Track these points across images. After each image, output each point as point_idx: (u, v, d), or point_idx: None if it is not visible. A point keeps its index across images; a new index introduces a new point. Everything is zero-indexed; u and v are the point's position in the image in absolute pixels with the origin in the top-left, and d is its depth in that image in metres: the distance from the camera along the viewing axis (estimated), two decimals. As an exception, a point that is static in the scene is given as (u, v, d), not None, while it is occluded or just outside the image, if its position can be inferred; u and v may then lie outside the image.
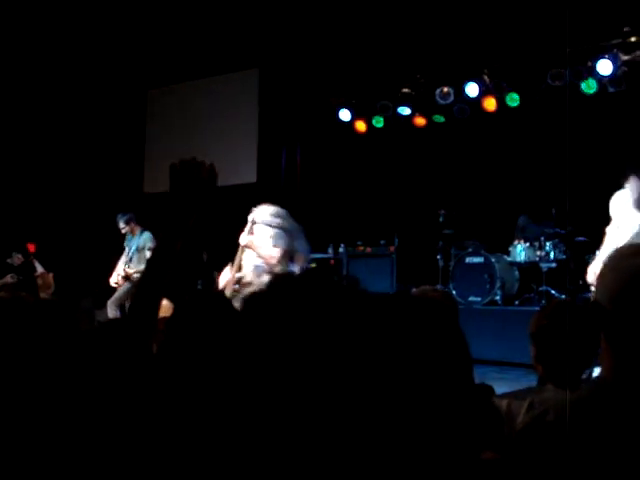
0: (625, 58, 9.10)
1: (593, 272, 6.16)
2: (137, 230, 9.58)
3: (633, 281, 1.48)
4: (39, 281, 9.32)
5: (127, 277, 9.22)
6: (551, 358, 2.58)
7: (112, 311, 9.08)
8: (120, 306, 9.10)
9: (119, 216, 9.64)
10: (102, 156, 12.53)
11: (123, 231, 9.62)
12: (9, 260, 9.49)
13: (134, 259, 9.38)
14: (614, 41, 9.10)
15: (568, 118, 9.19)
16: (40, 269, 9.52)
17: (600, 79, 9.29)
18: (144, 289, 1.94)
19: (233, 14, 10.55)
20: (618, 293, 1.49)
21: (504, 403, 2.64)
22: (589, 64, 9.25)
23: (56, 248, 10.87)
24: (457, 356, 1.34)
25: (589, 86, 9.37)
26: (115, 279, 9.41)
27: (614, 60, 9.08)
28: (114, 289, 9.44)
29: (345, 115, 11.44)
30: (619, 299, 1.48)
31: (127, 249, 9.56)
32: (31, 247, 9.77)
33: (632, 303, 1.47)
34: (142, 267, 8.89)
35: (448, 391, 1.30)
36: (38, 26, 10.52)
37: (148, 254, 9.09)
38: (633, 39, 8.99)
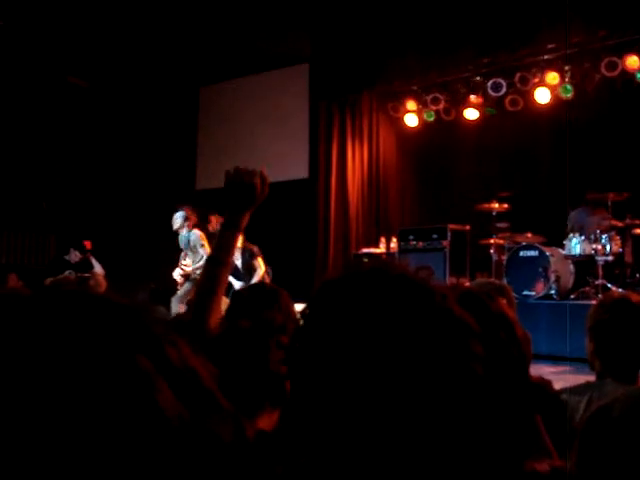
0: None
1: None
2: (191, 227, 9.60)
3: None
4: (91, 282, 9.46)
5: (186, 275, 9.30)
6: (610, 352, 2.55)
7: (175, 307, 9.17)
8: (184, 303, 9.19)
9: (178, 210, 9.49)
10: (155, 154, 12.70)
11: (176, 226, 9.55)
12: (66, 257, 9.68)
13: (189, 256, 9.45)
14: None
15: (621, 109, 9.06)
16: (97, 266, 9.69)
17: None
18: (206, 286, 2.02)
19: (283, 9, 10.58)
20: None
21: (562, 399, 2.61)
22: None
23: (112, 245, 11.05)
24: (506, 351, 1.34)
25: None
26: (177, 277, 9.44)
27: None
28: (171, 285, 9.52)
29: (395, 109, 11.42)
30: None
31: (183, 253, 9.64)
32: (88, 244, 9.94)
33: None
34: (199, 264, 9.00)
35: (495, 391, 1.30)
36: (96, 25, 10.69)
37: (202, 251, 9.18)
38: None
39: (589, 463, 1.13)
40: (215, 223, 9.81)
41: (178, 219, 9.56)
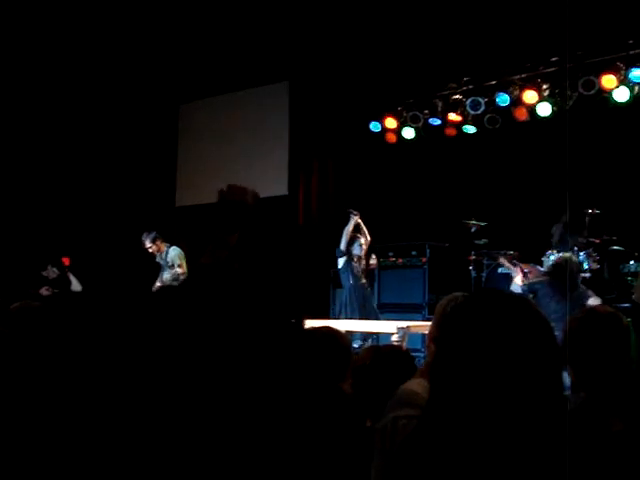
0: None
1: None
2: (163, 248, 9.63)
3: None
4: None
5: None
6: (581, 361, 2.62)
7: None
8: None
9: (144, 235, 9.68)
10: (134, 171, 12.66)
11: (150, 250, 9.63)
12: (44, 273, 9.60)
13: (166, 276, 9.44)
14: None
15: (599, 127, 9.15)
16: (75, 282, 9.62)
17: (632, 87, 9.22)
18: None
19: (263, 27, 10.61)
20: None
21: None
22: (622, 72, 9.18)
23: (91, 262, 10.97)
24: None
25: (621, 95, 9.29)
26: None
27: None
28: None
29: (376, 126, 11.47)
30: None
31: (161, 265, 9.64)
32: (66, 261, 9.87)
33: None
34: (175, 282, 8.98)
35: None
36: (72, 43, 10.66)
37: (179, 270, 9.17)
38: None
39: None
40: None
41: (147, 243, 9.61)
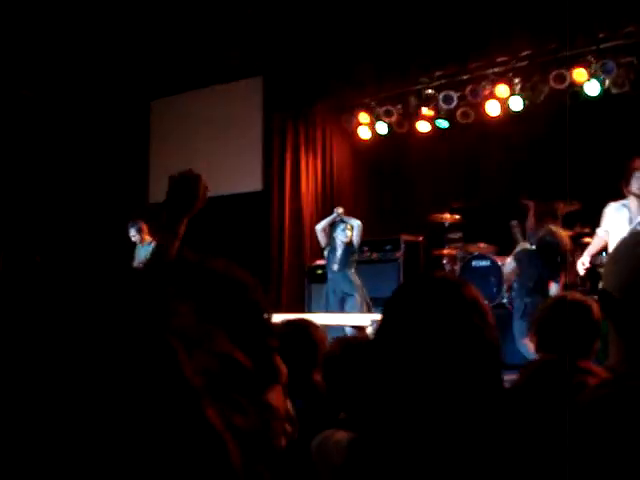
0: (626, 60, 9.12)
1: (581, 263, 6.81)
2: (147, 240, 9.65)
3: (642, 270, 1.47)
4: None
5: None
6: (551, 345, 2.67)
7: None
8: None
9: (130, 224, 9.75)
10: (106, 168, 12.55)
11: (133, 239, 9.73)
12: (15, 272, 9.49)
13: None
14: (616, 42, 9.11)
15: (570, 121, 9.21)
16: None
17: (603, 81, 9.29)
18: None
19: (235, 22, 10.57)
20: (628, 283, 1.48)
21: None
22: (592, 66, 9.25)
23: (63, 260, 10.87)
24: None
25: (592, 88, 9.37)
26: None
27: (616, 62, 9.10)
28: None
29: (349, 121, 11.48)
30: (629, 288, 1.48)
31: (136, 259, 9.60)
32: (36, 259, 9.78)
33: (642, 292, 1.46)
34: None
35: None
36: (41, 38, 10.56)
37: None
38: (635, 40, 8.99)
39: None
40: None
41: (133, 232, 9.63)
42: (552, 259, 7.45)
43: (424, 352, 1.32)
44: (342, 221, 9.54)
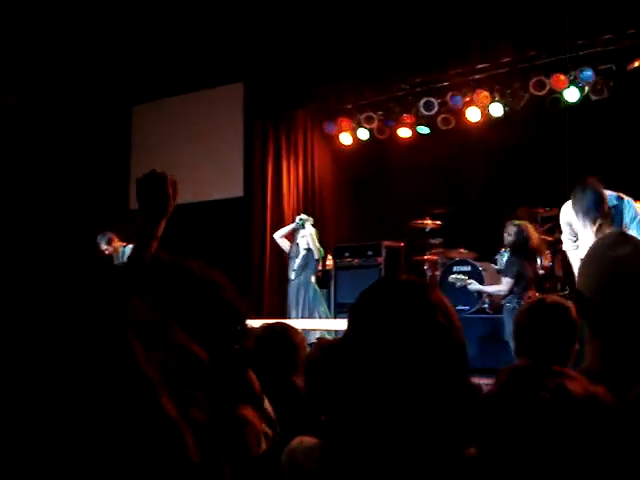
0: (605, 67, 9.20)
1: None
2: (119, 248, 9.59)
3: (617, 271, 1.49)
4: None
5: None
6: (530, 350, 2.68)
7: None
8: None
9: (99, 237, 9.66)
10: (87, 173, 12.49)
11: (106, 252, 9.59)
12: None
13: None
14: (595, 49, 9.19)
15: (549, 127, 9.28)
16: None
17: (582, 88, 9.37)
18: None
19: (217, 28, 10.56)
20: (602, 284, 1.50)
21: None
22: (571, 73, 9.32)
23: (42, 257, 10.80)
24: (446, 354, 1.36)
25: (571, 95, 9.44)
26: None
27: (594, 69, 9.18)
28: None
29: (330, 127, 11.50)
30: (604, 289, 1.49)
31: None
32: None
33: (617, 293, 1.47)
34: None
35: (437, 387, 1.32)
36: (26, 41, 10.50)
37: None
38: (613, 47, 9.07)
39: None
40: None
41: (104, 245, 9.59)
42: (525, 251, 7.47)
43: (390, 355, 1.32)
44: (303, 227, 9.65)
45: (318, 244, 9.67)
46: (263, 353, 2.85)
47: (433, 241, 10.13)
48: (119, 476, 0.49)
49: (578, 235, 6.17)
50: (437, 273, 9.64)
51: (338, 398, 1.46)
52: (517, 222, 7.63)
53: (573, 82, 9.34)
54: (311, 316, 9.21)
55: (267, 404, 2.47)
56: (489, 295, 8.74)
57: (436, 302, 1.38)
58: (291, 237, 9.91)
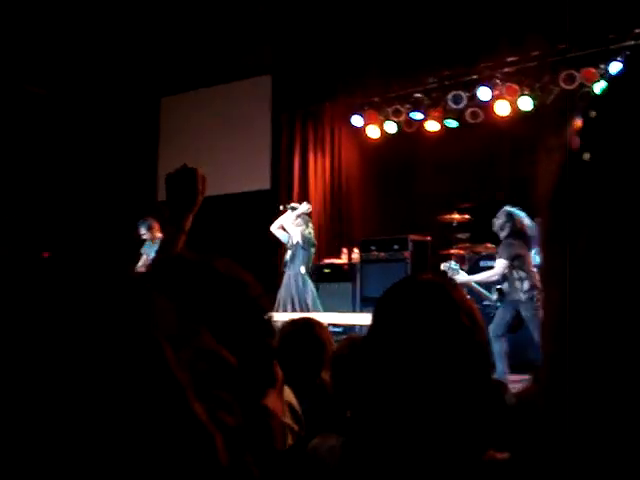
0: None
1: None
2: (157, 238, 9.65)
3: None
4: None
5: None
6: None
7: None
8: None
9: (140, 222, 9.74)
10: (116, 165, 12.58)
11: (144, 237, 9.72)
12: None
13: None
14: (626, 43, 9.08)
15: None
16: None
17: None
18: None
19: (245, 21, 10.58)
20: None
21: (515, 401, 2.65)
22: (601, 67, 9.23)
23: (72, 257, 10.90)
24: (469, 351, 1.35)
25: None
26: None
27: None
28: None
29: (357, 121, 11.47)
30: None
31: (145, 256, 9.60)
32: (46, 256, 9.81)
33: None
34: None
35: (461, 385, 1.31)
36: (53, 35, 10.58)
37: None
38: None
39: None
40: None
41: (143, 230, 9.66)
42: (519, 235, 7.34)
43: (412, 354, 1.32)
44: (293, 210, 9.50)
45: (308, 232, 9.40)
46: (290, 348, 2.85)
47: (460, 235, 10.07)
48: (143, 474, 0.50)
49: None
50: (464, 268, 9.59)
51: (360, 395, 1.46)
52: (508, 208, 7.48)
53: (604, 76, 9.24)
54: (301, 309, 9.00)
55: (294, 399, 2.48)
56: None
57: (459, 302, 1.38)
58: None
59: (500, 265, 7.21)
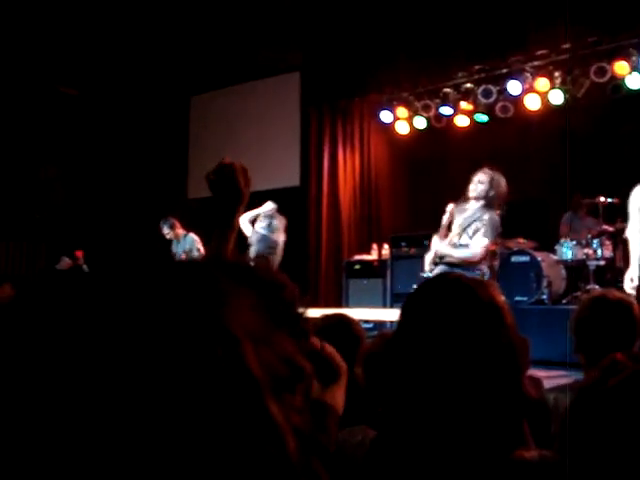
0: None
1: (630, 279, 5.68)
2: (181, 234, 9.74)
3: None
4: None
5: None
6: (592, 346, 2.62)
7: None
8: None
9: (162, 222, 9.84)
10: (146, 163, 12.68)
11: (168, 237, 9.80)
12: (57, 266, 9.65)
13: None
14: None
15: (611, 114, 9.08)
16: (89, 274, 9.65)
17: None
18: None
19: (274, 18, 10.59)
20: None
21: (551, 397, 2.64)
22: (634, 59, 9.12)
23: (105, 255, 11.01)
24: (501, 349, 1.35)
25: (634, 81, 9.23)
26: None
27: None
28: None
29: (386, 116, 11.44)
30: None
31: (176, 255, 9.67)
32: (79, 254, 9.91)
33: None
34: None
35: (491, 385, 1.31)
36: (86, 33, 10.68)
37: (196, 255, 9.20)
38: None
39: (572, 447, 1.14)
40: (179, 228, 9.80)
41: (166, 230, 9.74)
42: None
43: (439, 354, 1.32)
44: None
45: (275, 226, 9.01)
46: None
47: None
48: (217, 476, 0.51)
49: None
50: (495, 263, 9.53)
51: (391, 392, 1.47)
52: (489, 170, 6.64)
53: (636, 69, 9.13)
54: None
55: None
56: (547, 286, 8.62)
57: (487, 301, 1.38)
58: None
59: (484, 245, 6.44)
